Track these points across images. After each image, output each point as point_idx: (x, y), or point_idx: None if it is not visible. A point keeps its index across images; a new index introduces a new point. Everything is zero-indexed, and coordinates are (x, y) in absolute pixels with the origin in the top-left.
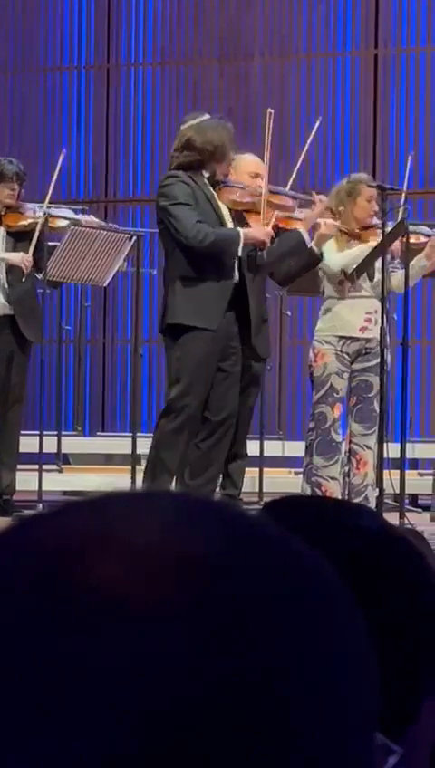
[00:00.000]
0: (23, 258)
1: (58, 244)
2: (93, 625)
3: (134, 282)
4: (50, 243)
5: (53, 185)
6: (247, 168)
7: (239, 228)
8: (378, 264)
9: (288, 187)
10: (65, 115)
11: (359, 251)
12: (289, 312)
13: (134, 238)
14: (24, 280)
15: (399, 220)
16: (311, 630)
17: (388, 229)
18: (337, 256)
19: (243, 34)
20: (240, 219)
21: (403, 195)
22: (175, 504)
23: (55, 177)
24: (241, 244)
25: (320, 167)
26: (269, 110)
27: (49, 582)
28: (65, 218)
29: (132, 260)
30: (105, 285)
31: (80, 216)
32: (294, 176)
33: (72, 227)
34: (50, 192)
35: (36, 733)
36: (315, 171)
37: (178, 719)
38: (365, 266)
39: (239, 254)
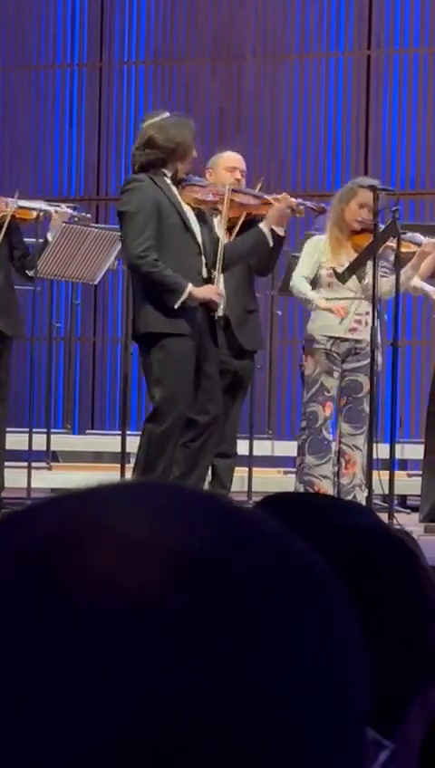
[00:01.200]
0: None
1: (45, 239)
2: (86, 616)
3: (125, 280)
4: (40, 240)
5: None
6: (226, 163)
7: (190, 285)
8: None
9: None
10: (57, 113)
11: (314, 295)
12: (280, 312)
13: None
14: None
15: (390, 221)
16: (306, 626)
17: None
18: (302, 286)
19: (235, 34)
20: (201, 217)
21: (396, 196)
22: (170, 495)
23: (9, 217)
24: (182, 299)
25: (311, 167)
26: (228, 187)
27: (42, 572)
28: (36, 209)
29: (123, 258)
30: (96, 283)
31: (51, 208)
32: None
33: (64, 225)
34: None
35: (22, 726)
36: (307, 172)
37: (169, 715)
38: (356, 266)
39: (175, 306)
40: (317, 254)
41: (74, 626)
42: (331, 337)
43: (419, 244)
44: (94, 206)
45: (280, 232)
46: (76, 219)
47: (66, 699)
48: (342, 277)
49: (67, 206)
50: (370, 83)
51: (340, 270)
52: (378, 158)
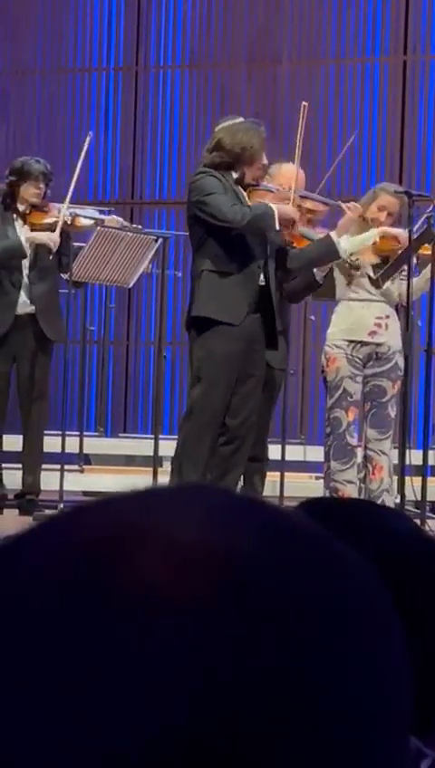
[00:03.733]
0: (49, 237)
1: (84, 245)
2: (133, 618)
3: (159, 284)
4: (76, 244)
5: (77, 171)
6: (281, 178)
7: (274, 207)
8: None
9: (317, 192)
10: (93, 116)
11: (371, 234)
12: (313, 317)
13: (160, 240)
14: (51, 257)
15: (426, 227)
16: (353, 628)
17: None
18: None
19: (271, 38)
20: None
21: (434, 202)
22: (218, 499)
23: (81, 159)
24: (277, 218)
25: (347, 173)
26: (304, 102)
27: (91, 572)
28: (90, 218)
29: (157, 262)
30: (130, 287)
31: (104, 216)
32: (323, 182)
33: (99, 228)
34: (75, 178)
35: (63, 720)
36: (342, 177)
37: (212, 718)
38: (392, 271)
39: (277, 227)
40: None
41: (121, 627)
42: (351, 341)
43: None
44: (129, 209)
45: (341, 254)
46: (127, 229)
47: (108, 700)
48: (377, 282)
49: (100, 210)
50: (405, 89)
51: (374, 276)
52: (413, 164)
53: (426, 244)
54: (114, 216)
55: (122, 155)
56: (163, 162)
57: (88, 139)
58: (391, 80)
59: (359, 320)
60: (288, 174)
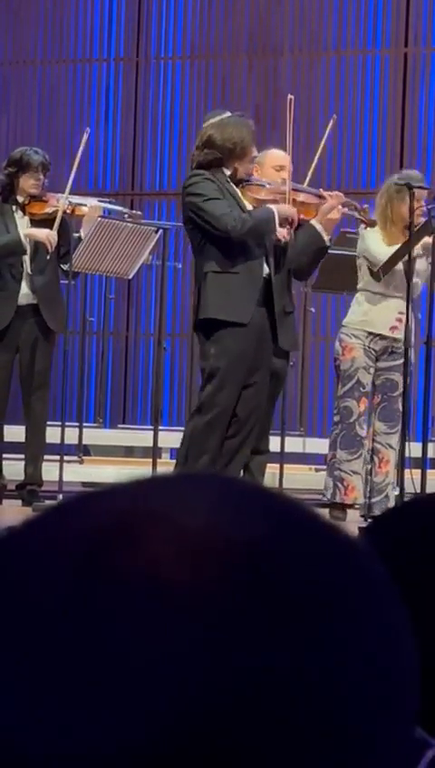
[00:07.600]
0: (48, 235)
1: (79, 236)
2: (140, 605)
3: (159, 275)
4: (76, 234)
5: (77, 162)
6: (272, 161)
7: (274, 208)
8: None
9: (306, 182)
10: (93, 107)
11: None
12: (313, 309)
13: (160, 231)
14: (48, 258)
15: (426, 219)
16: (357, 616)
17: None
18: (385, 249)
19: (272, 30)
20: None
21: (426, 193)
22: (223, 487)
23: (79, 155)
24: (277, 220)
25: (347, 165)
26: (290, 96)
27: (96, 561)
28: (87, 206)
29: (157, 253)
30: (130, 278)
31: (103, 204)
32: (311, 171)
33: (99, 219)
34: (74, 169)
35: (69, 710)
36: (342, 170)
37: (222, 703)
38: (392, 264)
39: (277, 229)
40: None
41: (128, 614)
42: (370, 333)
43: None
44: (129, 200)
45: (325, 240)
46: (126, 216)
47: (119, 688)
48: (377, 275)
49: (100, 200)
50: (406, 81)
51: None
52: (414, 156)
53: (426, 237)
54: (112, 206)
55: (123, 146)
56: (164, 153)
57: (86, 135)
58: (391, 72)
59: (381, 313)
60: (274, 159)
